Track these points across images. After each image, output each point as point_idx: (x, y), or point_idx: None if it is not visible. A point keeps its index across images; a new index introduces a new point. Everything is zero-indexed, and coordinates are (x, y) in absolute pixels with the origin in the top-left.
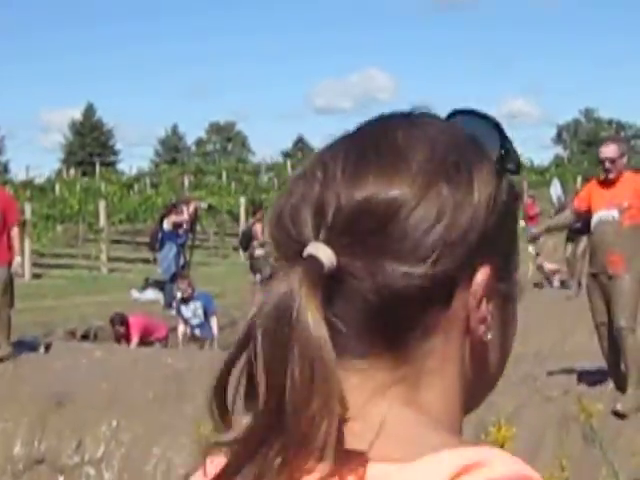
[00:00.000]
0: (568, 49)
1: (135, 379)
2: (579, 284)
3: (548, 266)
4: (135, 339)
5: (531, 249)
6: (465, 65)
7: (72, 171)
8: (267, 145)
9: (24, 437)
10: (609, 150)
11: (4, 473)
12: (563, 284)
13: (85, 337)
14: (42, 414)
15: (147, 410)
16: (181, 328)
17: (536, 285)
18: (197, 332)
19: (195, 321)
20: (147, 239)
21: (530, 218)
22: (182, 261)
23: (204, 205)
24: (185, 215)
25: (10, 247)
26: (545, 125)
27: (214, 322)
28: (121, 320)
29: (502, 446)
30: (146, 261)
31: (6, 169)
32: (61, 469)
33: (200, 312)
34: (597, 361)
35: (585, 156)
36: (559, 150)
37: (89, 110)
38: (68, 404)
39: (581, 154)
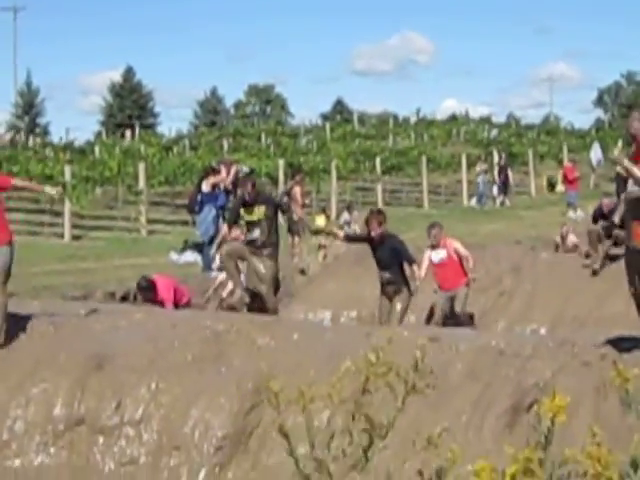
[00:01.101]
0: (610, 11)
1: (174, 341)
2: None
3: (572, 238)
4: (169, 304)
5: (571, 214)
6: (505, 28)
7: (128, 133)
8: (306, 108)
9: (64, 398)
10: (630, 119)
11: (45, 433)
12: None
13: (124, 299)
14: (82, 376)
15: (186, 372)
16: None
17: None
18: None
19: None
20: (186, 201)
21: (569, 182)
22: (221, 223)
23: (246, 169)
24: (223, 174)
25: (8, 226)
26: (586, 88)
27: None
28: (148, 285)
29: (554, 417)
30: (185, 223)
31: (46, 131)
32: (101, 430)
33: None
34: (635, 327)
35: (626, 120)
36: (600, 113)
37: (129, 72)
38: (108, 366)
39: (622, 117)
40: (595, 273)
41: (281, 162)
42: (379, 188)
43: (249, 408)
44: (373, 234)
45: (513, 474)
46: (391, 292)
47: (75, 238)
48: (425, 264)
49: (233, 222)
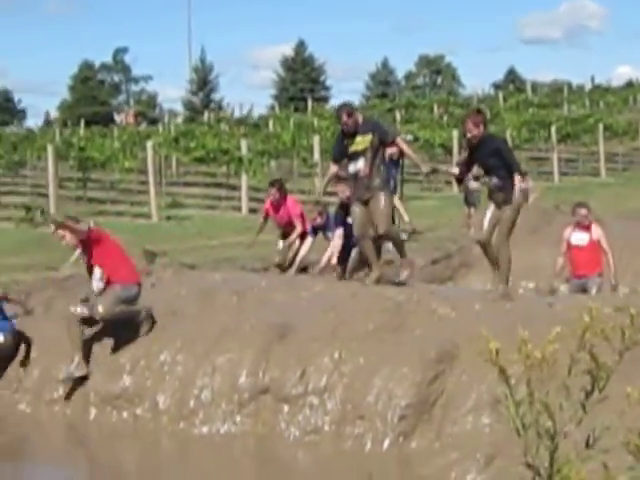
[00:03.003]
0: None
1: (355, 311)
2: None
3: None
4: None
5: None
6: None
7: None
8: (476, 77)
9: (249, 368)
10: None
11: (231, 402)
12: None
13: (303, 270)
14: (266, 345)
15: (368, 341)
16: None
17: None
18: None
19: None
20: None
21: None
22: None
23: (409, 137)
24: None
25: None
26: None
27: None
28: (280, 184)
29: None
30: None
31: (220, 107)
32: (285, 398)
33: None
34: None
35: None
36: None
37: (300, 46)
38: (291, 335)
39: None
40: None
41: (455, 132)
42: (554, 157)
43: (432, 378)
44: (469, 135)
45: None
46: (500, 200)
47: (252, 211)
48: (563, 247)
49: (339, 158)
